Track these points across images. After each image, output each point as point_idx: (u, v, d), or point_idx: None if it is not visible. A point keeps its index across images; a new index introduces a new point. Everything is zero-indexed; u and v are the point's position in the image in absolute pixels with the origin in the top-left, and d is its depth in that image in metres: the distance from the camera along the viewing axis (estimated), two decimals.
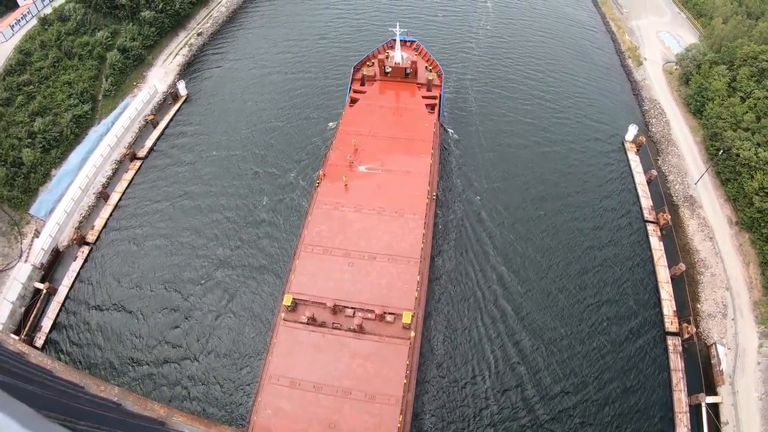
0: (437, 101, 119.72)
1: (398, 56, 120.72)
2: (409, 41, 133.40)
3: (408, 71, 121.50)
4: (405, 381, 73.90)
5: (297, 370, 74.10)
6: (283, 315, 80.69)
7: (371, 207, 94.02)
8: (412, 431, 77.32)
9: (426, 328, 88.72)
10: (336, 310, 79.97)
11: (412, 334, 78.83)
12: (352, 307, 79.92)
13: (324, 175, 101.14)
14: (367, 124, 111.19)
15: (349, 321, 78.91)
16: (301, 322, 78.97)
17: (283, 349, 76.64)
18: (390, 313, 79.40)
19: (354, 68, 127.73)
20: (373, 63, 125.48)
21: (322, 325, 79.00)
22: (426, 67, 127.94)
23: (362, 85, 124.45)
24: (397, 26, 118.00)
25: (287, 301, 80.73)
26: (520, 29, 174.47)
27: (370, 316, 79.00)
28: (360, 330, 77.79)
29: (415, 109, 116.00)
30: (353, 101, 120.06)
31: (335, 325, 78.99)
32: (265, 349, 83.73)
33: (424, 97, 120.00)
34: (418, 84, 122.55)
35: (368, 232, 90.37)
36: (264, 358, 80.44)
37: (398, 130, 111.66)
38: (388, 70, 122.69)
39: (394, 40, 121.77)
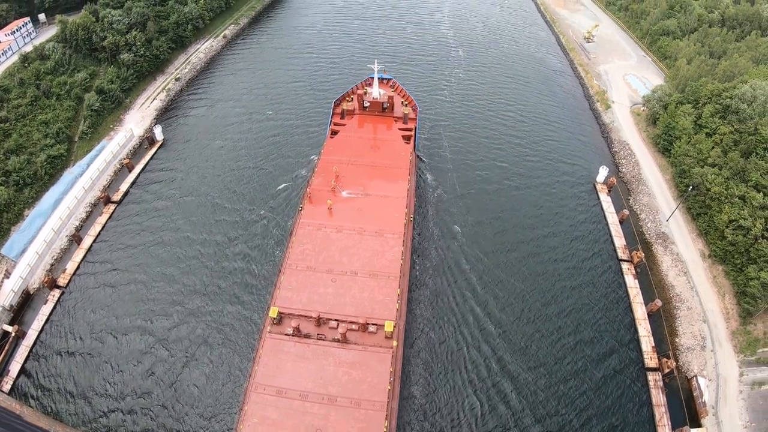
0: (413, 133, 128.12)
1: (376, 92, 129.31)
2: (386, 79, 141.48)
3: (385, 106, 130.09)
4: (389, 387, 76.08)
5: (283, 379, 75.81)
6: (268, 328, 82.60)
7: (352, 227, 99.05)
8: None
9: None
10: (320, 321, 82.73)
11: (395, 343, 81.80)
12: (335, 319, 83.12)
13: (307, 199, 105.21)
14: (348, 153, 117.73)
15: (333, 332, 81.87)
16: (287, 334, 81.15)
17: (269, 360, 78.31)
18: (373, 324, 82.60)
19: (335, 103, 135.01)
20: (352, 98, 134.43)
21: (307, 336, 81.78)
22: (402, 102, 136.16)
23: (342, 118, 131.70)
24: (375, 63, 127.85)
25: (273, 313, 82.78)
26: (491, 75, 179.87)
27: (353, 327, 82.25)
28: (344, 340, 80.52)
29: (392, 139, 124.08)
30: (334, 133, 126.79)
31: (320, 336, 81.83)
32: (248, 367, 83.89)
33: (400, 129, 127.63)
34: (394, 117, 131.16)
35: (350, 250, 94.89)
36: (250, 369, 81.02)
37: (377, 159, 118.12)
38: (367, 104, 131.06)
39: (372, 78, 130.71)
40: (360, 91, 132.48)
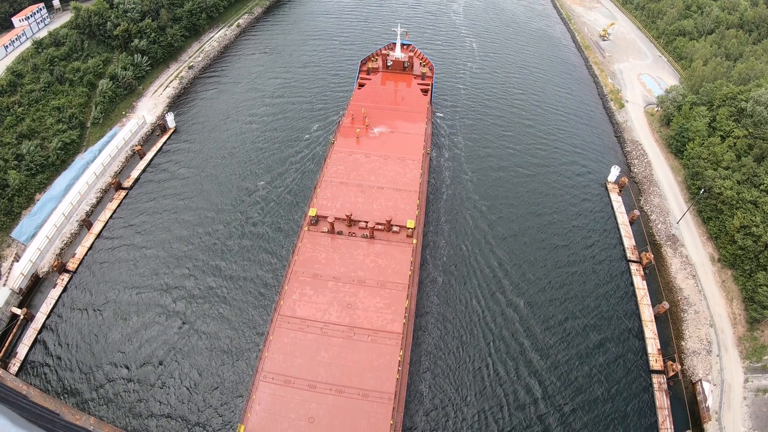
0: (429, 87, 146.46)
1: (398, 52, 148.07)
2: (406, 44, 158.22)
3: (406, 65, 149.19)
4: (410, 273, 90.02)
5: (318, 266, 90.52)
6: (306, 228, 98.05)
7: (379, 154, 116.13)
8: (417, 313, 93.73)
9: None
10: (351, 222, 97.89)
11: (414, 241, 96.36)
12: (364, 220, 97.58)
13: (339, 133, 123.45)
14: (374, 100, 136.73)
15: (362, 231, 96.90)
16: (322, 231, 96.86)
17: (306, 250, 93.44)
18: (396, 225, 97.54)
19: (361, 62, 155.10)
20: (377, 58, 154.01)
21: (340, 233, 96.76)
22: (420, 63, 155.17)
23: (368, 74, 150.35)
24: (398, 26, 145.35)
25: (312, 213, 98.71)
26: (504, 69, 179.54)
27: (379, 227, 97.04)
28: (371, 236, 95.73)
29: (412, 91, 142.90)
30: (361, 86, 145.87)
31: (351, 233, 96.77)
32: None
33: (419, 84, 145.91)
34: (414, 75, 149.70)
35: (377, 170, 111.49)
36: (289, 259, 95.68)
37: (399, 105, 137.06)
38: (390, 63, 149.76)
39: (394, 43, 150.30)
40: (384, 52, 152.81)
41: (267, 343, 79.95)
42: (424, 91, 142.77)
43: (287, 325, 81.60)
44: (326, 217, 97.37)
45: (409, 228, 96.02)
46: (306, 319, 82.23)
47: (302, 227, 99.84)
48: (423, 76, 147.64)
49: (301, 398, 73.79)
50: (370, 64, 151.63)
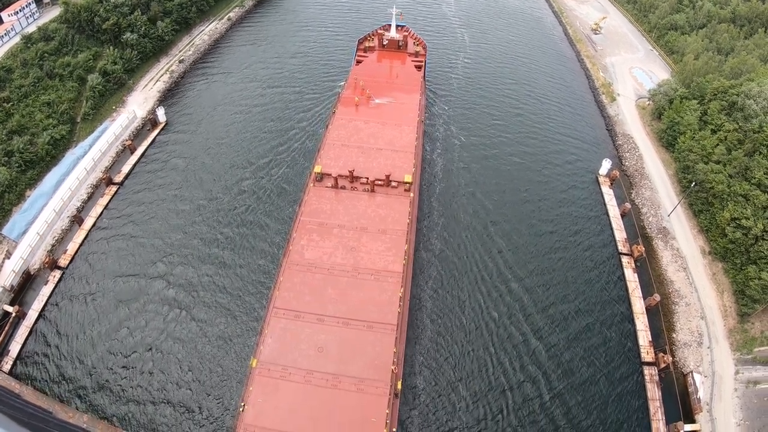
0: (422, 64, 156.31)
1: (393, 32, 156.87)
2: (400, 26, 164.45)
3: (400, 44, 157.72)
4: (408, 221, 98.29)
5: (324, 216, 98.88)
6: (312, 184, 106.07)
7: (377, 121, 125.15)
8: (414, 256, 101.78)
9: None
10: (353, 178, 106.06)
11: (411, 194, 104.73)
12: (365, 176, 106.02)
13: (340, 103, 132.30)
14: (371, 75, 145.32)
15: (363, 186, 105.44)
16: (327, 187, 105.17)
17: (312, 203, 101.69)
18: (395, 181, 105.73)
19: (358, 41, 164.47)
20: (373, 38, 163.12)
21: (343, 188, 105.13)
22: (414, 42, 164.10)
23: (365, 52, 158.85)
24: (394, 8, 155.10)
25: (317, 169, 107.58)
26: (496, 65, 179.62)
27: (379, 182, 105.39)
28: (372, 189, 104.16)
29: (406, 67, 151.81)
30: (359, 62, 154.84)
31: (353, 187, 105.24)
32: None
33: (412, 61, 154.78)
34: (408, 53, 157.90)
35: (375, 134, 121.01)
36: (296, 211, 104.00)
37: (394, 79, 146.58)
38: (385, 42, 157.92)
39: (389, 24, 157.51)
40: (380, 32, 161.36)
41: (277, 284, 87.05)
42: (418, 68, 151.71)
43: (296, 267, 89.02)
44: (330, 174, 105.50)
45: (406, 183, 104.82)
46: (313, 262, 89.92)
47: (307, 183, 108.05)
48: (416, 54, 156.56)
49: (311, 330, 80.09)
50: (366, 43, 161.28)
